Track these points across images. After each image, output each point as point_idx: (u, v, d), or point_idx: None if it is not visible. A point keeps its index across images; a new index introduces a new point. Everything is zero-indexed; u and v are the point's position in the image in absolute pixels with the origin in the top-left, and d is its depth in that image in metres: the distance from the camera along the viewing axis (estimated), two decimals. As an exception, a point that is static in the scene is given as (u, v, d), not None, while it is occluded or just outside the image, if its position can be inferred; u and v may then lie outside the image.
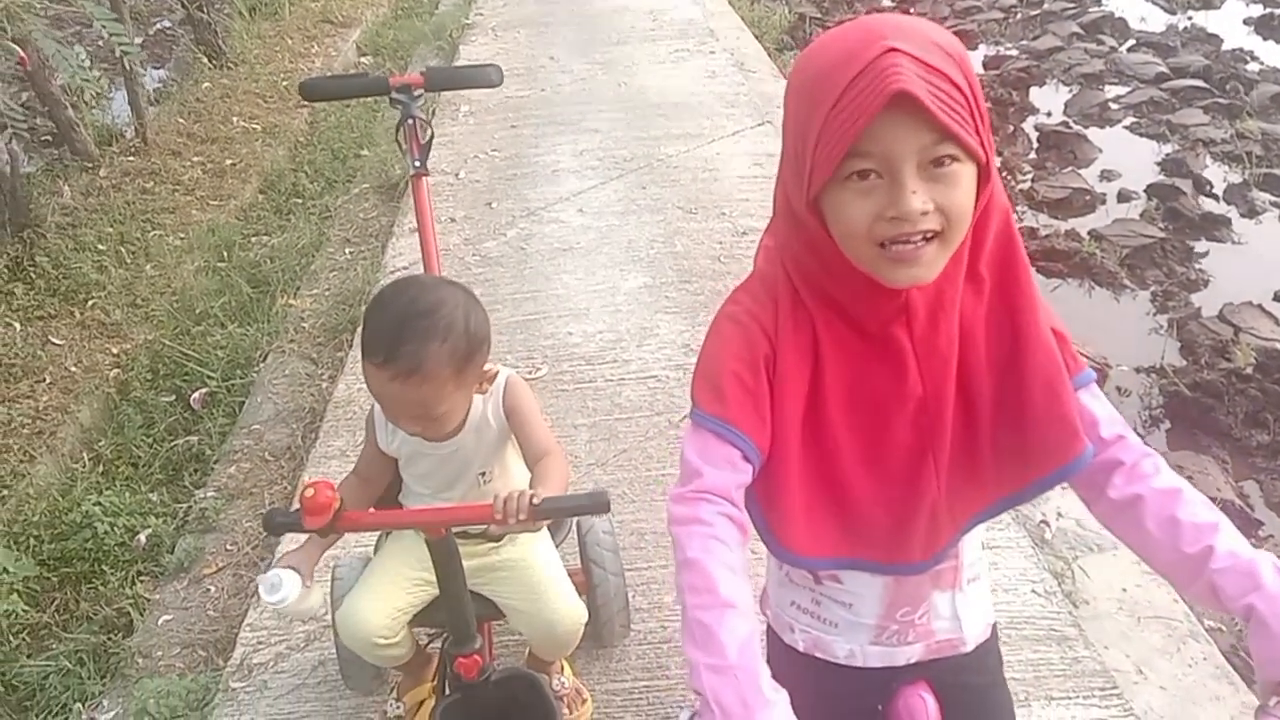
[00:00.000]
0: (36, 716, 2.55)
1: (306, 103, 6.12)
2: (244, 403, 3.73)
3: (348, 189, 5.50)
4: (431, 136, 2.30)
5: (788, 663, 1.39)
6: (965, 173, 1.06)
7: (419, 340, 1.60)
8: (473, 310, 1.68)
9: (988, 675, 1.42)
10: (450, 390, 1.65)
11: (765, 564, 1.42)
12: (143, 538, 3.10)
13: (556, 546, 2.14)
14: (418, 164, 2.27)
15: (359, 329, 3.84)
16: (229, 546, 3.01)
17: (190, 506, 3.20)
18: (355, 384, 3.58)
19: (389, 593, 1.92)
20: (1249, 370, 4.32)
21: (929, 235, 1.06)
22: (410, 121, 2.27)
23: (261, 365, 3.93)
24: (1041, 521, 2.81)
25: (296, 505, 1.52)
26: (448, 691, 1.72)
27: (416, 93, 2.29)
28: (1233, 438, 4.05)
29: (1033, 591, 2.55)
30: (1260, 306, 4.82)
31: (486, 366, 1.74)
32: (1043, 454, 1.17)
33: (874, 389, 1.16)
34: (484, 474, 1.83)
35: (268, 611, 2.65)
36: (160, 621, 2.76)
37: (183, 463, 3.51)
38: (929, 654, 1.34)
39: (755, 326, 1.17)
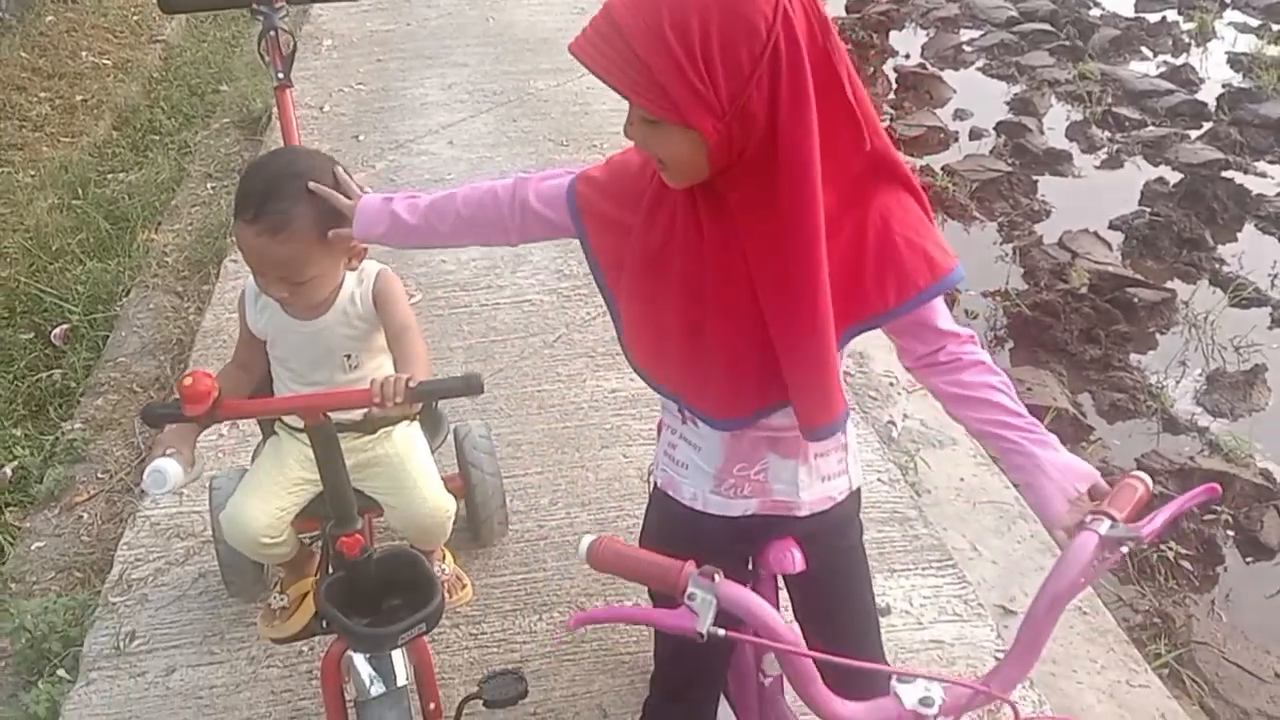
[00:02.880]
0: (-96, 648, 2.52)
1: (165, 14, 5.91)
2: (108, 337, 3.65)
3: (207, 124, 5.35)
4: (294, 49, 2.32)
5: (662, 504, 1.56)
6: (671, 132, 1.18)
7: (289, 199, 1.66)
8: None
9: (848, 540, 1.59)
10: (317, 253, 1.72)
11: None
12: (8, 470, 3.04)
13: (434, 450, 2.23)
14: (280, 76, 2.29)
15: (224, 260, 3.84)
16: (100, 474, 2.99)
17: (57, 439, 3.15)
18: (224, 314, 3.55)
19: (271, 493, 1.99)
20: (1084, 290, 4.65)
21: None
22: (272, 33, 2.29)
23: (124, 300, 3.85)
24: (889, 422, 3.04)
25: (175, 395, 1.56)
26: (331, 571, 1.80)
27: (278, 5, 2.30)
28: (1068, 353, 4.37)
29: (878, 480, 2.76)
30: (1096, 234, 5.18)
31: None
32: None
33: (699, 255, 1.30)
34: (349, 358, 1.90)
35: (145, 530, 2.66)
36: (32, 548, 2.73)
37: (46, 398, 3.43)
38: (764, 509, 1.49)
39: (639, 176, 1.37)
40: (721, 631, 1.07)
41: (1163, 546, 3.26)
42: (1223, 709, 2.78)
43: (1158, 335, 4.55)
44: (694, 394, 1.39)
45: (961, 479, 2.87)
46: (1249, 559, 3.41)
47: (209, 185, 4.70)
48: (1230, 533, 3.48)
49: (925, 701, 1.09)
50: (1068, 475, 1.24)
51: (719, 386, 1.36)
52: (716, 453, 1.45)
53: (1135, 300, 4.64)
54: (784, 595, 1.63)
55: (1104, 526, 1.13)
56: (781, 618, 1.14)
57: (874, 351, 3.42)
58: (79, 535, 2.78)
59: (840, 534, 1.55)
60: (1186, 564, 3.26)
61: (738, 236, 1.27)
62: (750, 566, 1.59)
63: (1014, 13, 8.25)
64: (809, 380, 1.31)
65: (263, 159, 1.76)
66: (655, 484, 1.57)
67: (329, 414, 1.65)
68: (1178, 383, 4.24)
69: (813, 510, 1.50)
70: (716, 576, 1.09)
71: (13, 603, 2.47)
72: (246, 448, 2.70)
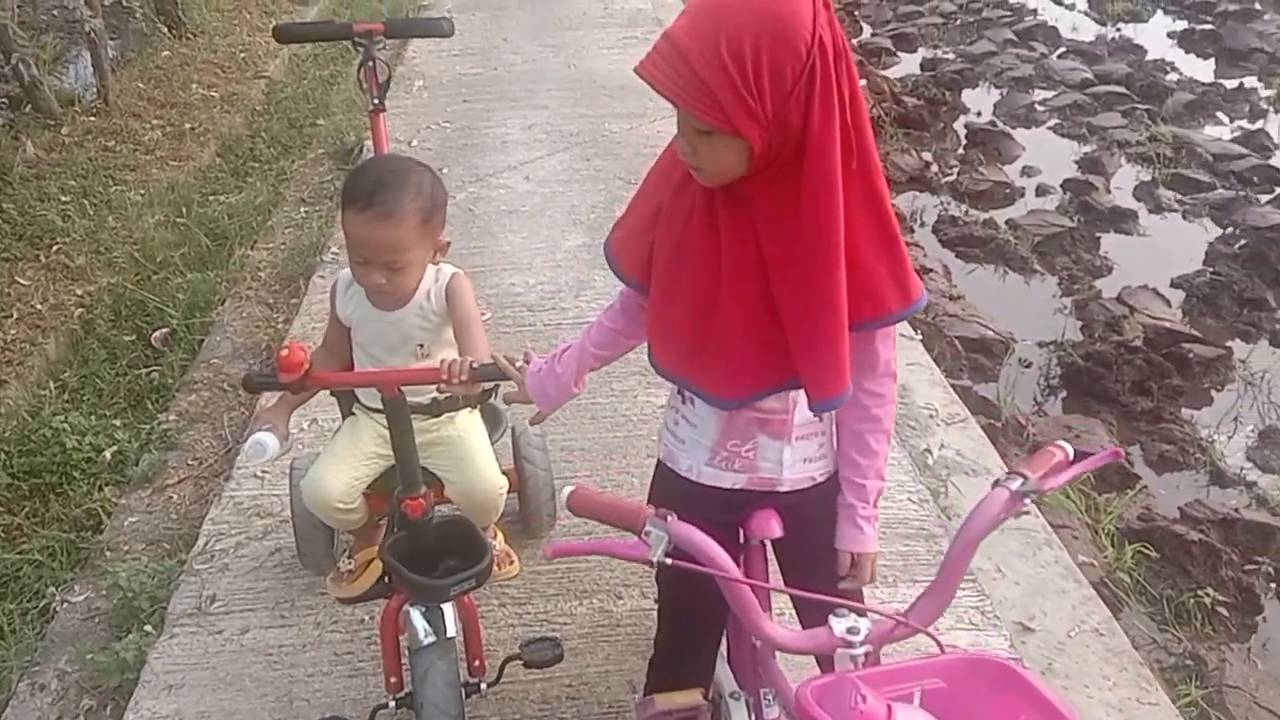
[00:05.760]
0: (12, 601, 2.79)
1: (280, 44, 6.37)
2: (203, 340, 3.97)
3: (303, 154, 5.74)
4: (389, 77, 2.61)
5: (662, 474, 1.76)
6: (722, 142, 1.35)
7: (395, 190, 1.94)
8: (434, 179, 2.04)
9: (825, 513, 1.72)
10: (416, 238, 1.97)
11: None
12: (108, 454, 3.33)
13: (494, 442, 2.44)
14: (376, 101, 2.57)
15: (313, 276, 4.12)
16: (190, 462, 3.26)
17: (153, 429, 3.44)
18: (309, 323, 3.84)
19: (347, 464, 2.23)
20: (1137, 343, 4.69)
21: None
22: (370, 63, 2.58)
23: (220, 308, 4.17)
24: (925, 450, 3.17)
25: (272, 365, 1.81)
26: (396, 530, 2.01)
27: (377, 38, 2.59)
28: (1120, 403, 4.42)
29: (908, 499, 2.90)
30: (1155, 290, 5.21)
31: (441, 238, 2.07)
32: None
33: (714, 251, 1.48)
34: (422, 346, 2.13)
35: (228, 508, 2.92)
36: (126, 523, 3.00)
37: (145, 393, 3.75)
38: (752, 484, 1.67)
39: (656, 191, 1.56)
40: (669, 560, 1.24)
41: (1200, 592, 3.30)
42: (1249, 751, 2.81)
43: (1212, 391, 4.58)
44: (698, 376, 1.57)
45: (992, 506, 2.98)
46: (1290, 611, 3.44)
47: (302, 209, 5.04)
48: (1272, 584, 3.50)
49: (852, 630, 1.25)
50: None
51: (723, 370, 1.54)
52: (712, 429, 1.64)
53: (1190, 355, 4.66)
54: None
55: (1015, 484, 1.29)
56: (724, 552, 1.30)
57: (915, 385, 3.56)
58: (168, 513, 3.04)
59: (818, 507, 1.70)
60: (1224, 610, 3.30)
61: (755, 236, 1.44)
62: (742, 539, 1.75)
63: (1089, 75, 8.32)
64: (823, 361, 1.47)
65: (368, 162, 2.07)
66: (659, 457, 1.76)
67: (403, 389, 1.88)
68: (1229, 438, 4.25)
69: (794, 487, 1.68)
70: (670, 518, 1.27)
71: (109, 563, 2.73)
72: (324, 440, 2.94)
